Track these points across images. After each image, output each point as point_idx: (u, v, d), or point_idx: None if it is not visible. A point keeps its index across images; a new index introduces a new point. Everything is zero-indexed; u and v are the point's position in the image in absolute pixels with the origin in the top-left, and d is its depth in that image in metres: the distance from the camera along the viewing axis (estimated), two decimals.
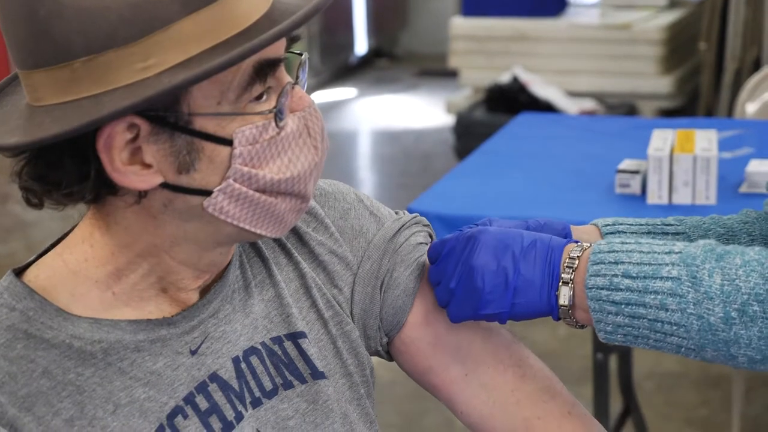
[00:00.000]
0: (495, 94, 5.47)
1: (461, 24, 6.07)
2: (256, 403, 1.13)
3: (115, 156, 0.99)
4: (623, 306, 1.07)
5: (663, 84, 5.78)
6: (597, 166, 2.57)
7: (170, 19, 0.96)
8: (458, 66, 6.09)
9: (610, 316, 1.08)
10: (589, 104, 5.49)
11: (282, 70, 1.04)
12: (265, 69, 1.02)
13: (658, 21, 5.85)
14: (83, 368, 1.05)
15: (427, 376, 1.23)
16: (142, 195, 1.02)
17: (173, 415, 1.07)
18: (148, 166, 1.00)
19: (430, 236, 1.28)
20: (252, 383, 1.13)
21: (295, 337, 1.17)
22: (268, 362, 1.15)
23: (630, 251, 1.09)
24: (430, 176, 4.66)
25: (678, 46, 5.92)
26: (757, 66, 4.91)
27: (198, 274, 1.10)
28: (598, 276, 1.08)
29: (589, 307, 1.09)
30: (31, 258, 1.11)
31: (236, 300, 1.14)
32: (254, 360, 1.14)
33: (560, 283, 1.12)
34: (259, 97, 1.03)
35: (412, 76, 8.25)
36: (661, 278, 1.05)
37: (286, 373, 1.15)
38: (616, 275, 1.07)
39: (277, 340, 1.16)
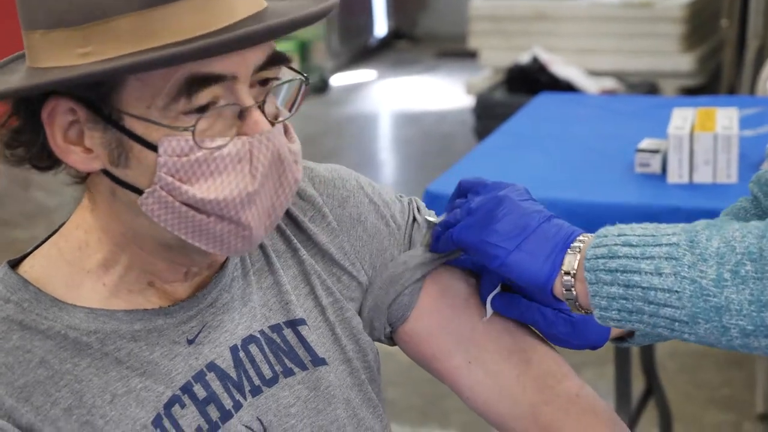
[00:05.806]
0: (515, 75, 5.45)
1: (481, 4, 6.04)
2: (255, 392, 1.13)
3: (57, 132, 1.03)
4: (618, 273, 1.07)
5: (684, 62, 5.74)
6: (617, 146, 2.55)
7: (110, 13, 0.98)
8: (478, 47, 6.07)
9: (605, 287, 1.08)
10: (609, 83, 5.46)
11: (241, 89, 1.01)
12: (196, 84, 0.99)
13: None
14: (79, 359, 1.06)
15: (432, 363, 1.22)
16: (82, 175, 1.07)
17: (170, 404, 1.08)
18: (89, 150, 1.03)
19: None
20: (251, 372, 1.13)
21: (295, 324, 1.17)
22: (267, 350, 1.14)
23: (635, 228, 1.11)
24: (449, 157, 4.65)
25: (699, 24, 5.88)
26: None
27: (176, 267, 1.10)
28: (600, 247, 1.09)
29: (585, 278, 1.09)
30: (29, 249, 1.12)
31: (234, 289, 1.14)
32: (253, 348, 1.14)
33: (568, 250, 1.12)
34: (202, 110, 1.00)
35: (432, 58, 8.23)
36: (660, 245, 1.07)
37: (286, 360, 1.15)
38: (616, 244, 1.09)
39: (276, 327, 1.16)
